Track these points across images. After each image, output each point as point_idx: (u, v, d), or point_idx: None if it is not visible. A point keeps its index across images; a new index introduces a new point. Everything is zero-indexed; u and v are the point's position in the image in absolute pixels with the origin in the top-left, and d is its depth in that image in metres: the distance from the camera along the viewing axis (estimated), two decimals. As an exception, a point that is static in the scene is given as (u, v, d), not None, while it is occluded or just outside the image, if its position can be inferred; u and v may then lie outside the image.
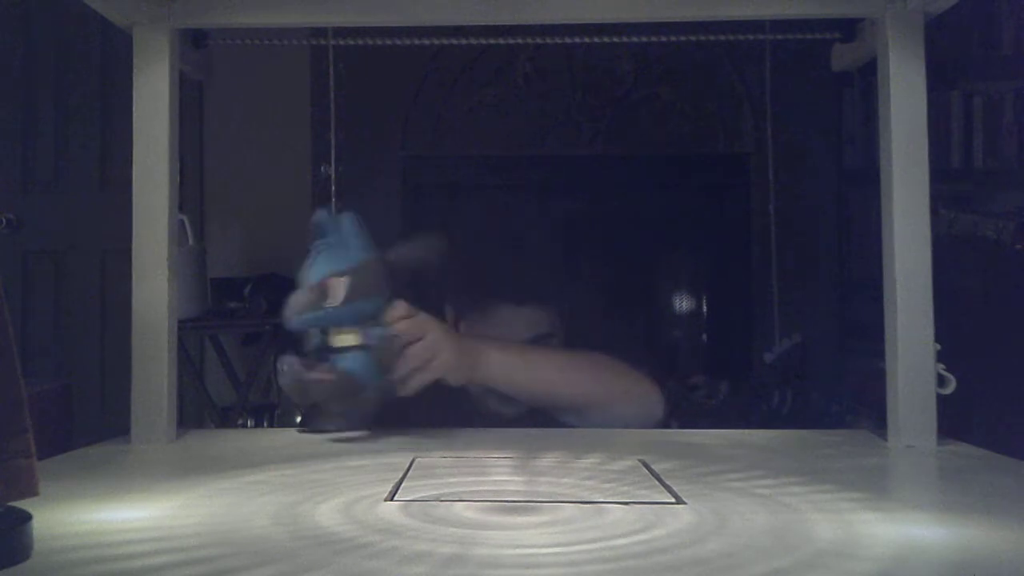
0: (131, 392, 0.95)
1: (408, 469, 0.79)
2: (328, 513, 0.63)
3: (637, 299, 2.87)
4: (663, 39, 1.10)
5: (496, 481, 0.75)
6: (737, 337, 2.78)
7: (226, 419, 2.45)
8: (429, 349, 0.97)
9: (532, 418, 1.12)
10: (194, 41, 1.05)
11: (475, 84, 2.75)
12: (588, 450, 0.88)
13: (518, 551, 0.55)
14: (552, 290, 1.28)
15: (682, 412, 1.12)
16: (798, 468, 0.80)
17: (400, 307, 0.96)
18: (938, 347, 0.92)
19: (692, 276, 2.91)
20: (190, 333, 2.49)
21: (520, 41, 1.33)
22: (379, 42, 1.14)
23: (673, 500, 0.67)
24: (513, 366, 1.05)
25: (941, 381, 0.92)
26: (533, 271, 1.31)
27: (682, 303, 2.90)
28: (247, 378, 2.49)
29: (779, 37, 1.10)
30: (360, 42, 1.18)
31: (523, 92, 2.76)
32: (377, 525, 0.60)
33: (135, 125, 0.96)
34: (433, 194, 2.77)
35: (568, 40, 1.23)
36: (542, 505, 0.66)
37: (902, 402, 0.92)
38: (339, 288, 0.91)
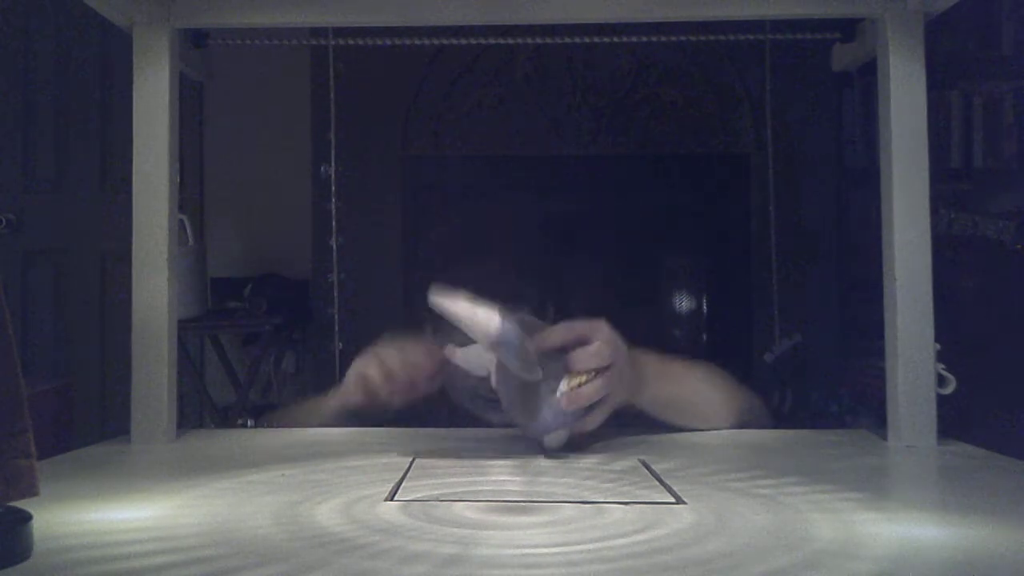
0: (131, 392, 0.95)
1: (408, 469, 0.79)
2: (328, 513, 0.63)
3: (637, 299, 2.87)
4: (663, 39, 1.10)
5: (496, 481, 0.75)
6: (737, 337, 2.78)
7: (226, 419, 2.45)
8: (616, 372, 0.84)
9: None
10: (194, 41, 1.05)
11: (475, 84, 2.75)
12: (588, 450, 0.88)
13: (518, 551, 0.55)
14: (523, 290, 1.21)
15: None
16: (798, 468, 0.80)
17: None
18: (938, 347, 0.92)
19: (692, 276, 2.91)
20: (190, 333, 2.49)
21: (520, 41, 1.34)
22: (379, 42, 1.14)
23: (673, 500, 0.67)
24: (665, 378, 0.95)
25: (941, 381, 0.92)
26: (512, 272, 1.24)
27: (682, 303, 2.90)
28: (247, 378, 2.49)
29: (779, 37, 1.10)
30: (360, 42, 1.18)
31: (523, 92, 2.76)
32: (377, 525, 0.60)
33: (135, 125, 0.96)
34: (433, 194, 2.77)
35: (568, 40, 1.23)
36: (542, 505, 0.66)
37: (902, 402, 0.92)
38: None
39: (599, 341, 0.85)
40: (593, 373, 0.83)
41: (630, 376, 0.89)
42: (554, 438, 0.86)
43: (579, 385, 0.82)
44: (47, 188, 2.84)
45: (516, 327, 0.82)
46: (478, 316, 0.82)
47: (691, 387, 1.00)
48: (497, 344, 0.81)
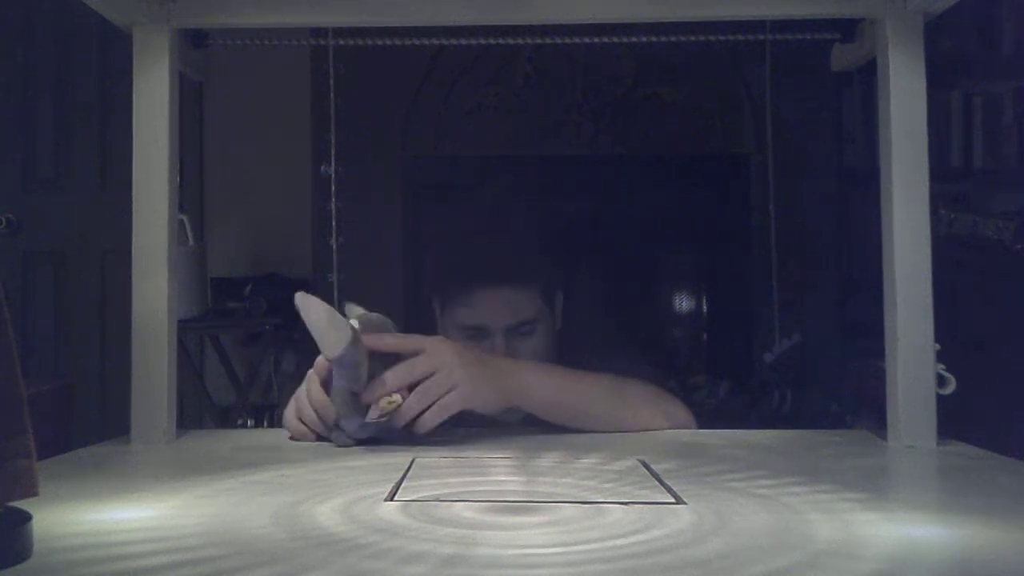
0: (131, 392, 0.95)
1: (408, 469, 0.79)
2: (328, 513, 0.63)
3: (637, 299, 2.87)
4: (663, 39, 1.09)
5: (496, 481, 0.75)
6: (737, 337, 2.78)
7: (226, 419, 2.45)
8: (439, 379, 0.90)
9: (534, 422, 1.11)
10: (194, 41, 1.05)
11: (475, 84, 2.75)
12: (588, 450, 0.88)
13: (518, 551, 0.55)
14: (537, 271, 1.24)
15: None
16: (798, 468, 0.80)
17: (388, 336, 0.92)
18: (938, 347, 0.92)
19: (692, 276, 2.91)
20: (190, 333, 2.49)
21: (520, 41, 1.34)
22: (379, 42, 1.14)
23: (673, 500, 0.67)
24: (552, 391, 0.99)
25: (941, 381, 0.92)
26: (520, 256, 1.26)
27: (682, 303, 2.90)
28: (247, 378, 2.49)
29: (779, 37, 1.10)
30: (360, 42, 1.18)
31: (523, 92, 2.76)
32: (377, 525, 0.60)
33: (135, 125, 0.96)
34: (433, 194, 2.77)
35: (568, 40, 1.23)
36: (542, 505, 0.66)
37: (902, 402, 0.92)
38: None
39: (422, 355, 0.91)
40: (405, 391, 0.90)
41: (491, 386, 0.94)
42: (350, 438, 0.91)
43: (389, 404, 0.88)
44: (47, 188, 2.84)
45: (356, 352, 0.88)
46: (328, 332, 0.87)
47: (587, 396, 1.02)
48: (335, 362, 0.88)
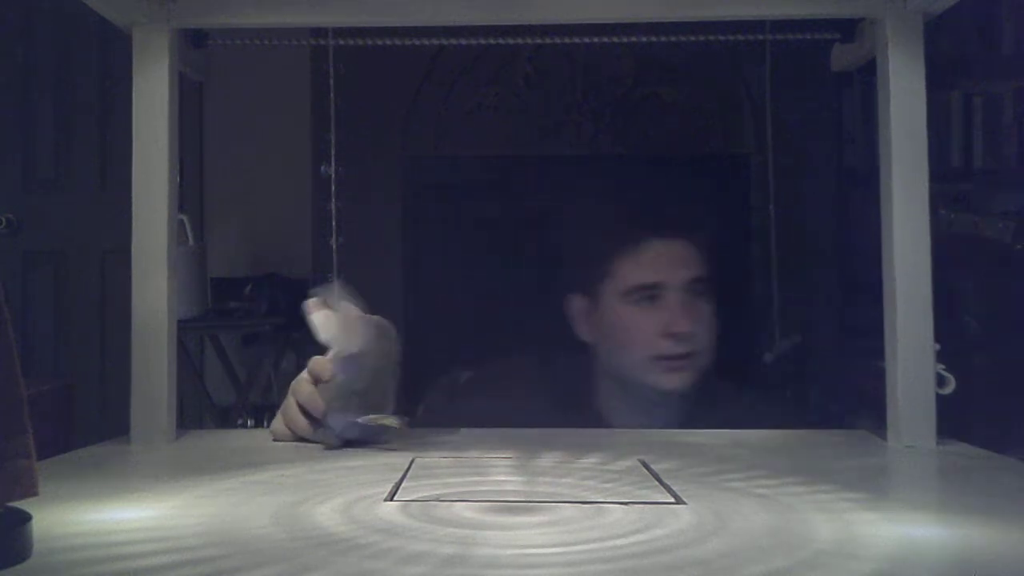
0: (131, 392, 0.95)
1: (408, 469, 0.79)
2: (328, 513, 0.63)
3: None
4: (663, 39, 1.09)
5: (496, 481, 0.75)
6: (737, 337, 2.78)
7: (226, 419, 2.45)
8: None
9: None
10: (194, 41, 1.05)
11: (475, 84, 2.75)
12: (588, 450, 0.88)
13: (518, 551, 0.55)
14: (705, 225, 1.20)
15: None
16: (798, 468, 0.80)
17: None
18: (938, 347, 0.92)
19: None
20: (190, 333, 2.49)
21: (520, 41, 1.33)
22: (379, 42, 1.13)
23: (673, 500, 0.67)
24: None
25: (941, 381, 0.92)
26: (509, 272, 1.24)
27: (682, 303, 2.89)
28: (247, 378, 2.49)
29: (779, 37, 1.10)
30: (360, 42, 1.18)
31: (523, 92, 2.76)
32: (377, 525, 0.60)
33: (135, 125, 0.96)
34: (433, 194, 2.77)
35: (568, 40, 1.23)
36: (542, 505, 0.66)
37: (902, 402, 0.92)
38: None
39: None
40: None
41: None
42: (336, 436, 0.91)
43: (387, 420, 0.88)
44: (47, 188, 2.84)
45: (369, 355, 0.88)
46: (344, 332, 0.88)
47: None
48: (348, 358, 0.88)
